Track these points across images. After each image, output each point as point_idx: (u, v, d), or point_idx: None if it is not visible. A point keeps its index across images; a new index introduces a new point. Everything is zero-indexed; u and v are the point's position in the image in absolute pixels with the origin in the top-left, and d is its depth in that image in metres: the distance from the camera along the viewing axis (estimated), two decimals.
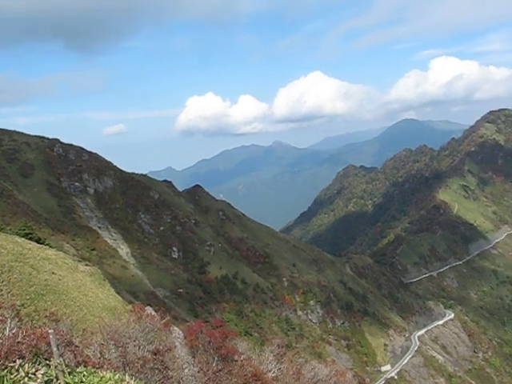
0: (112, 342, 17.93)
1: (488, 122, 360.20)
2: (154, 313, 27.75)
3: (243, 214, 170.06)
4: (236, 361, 26.10)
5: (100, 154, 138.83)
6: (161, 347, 18.88)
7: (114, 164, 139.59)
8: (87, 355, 14.14)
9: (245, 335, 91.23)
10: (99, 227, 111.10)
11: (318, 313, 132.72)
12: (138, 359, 16.90)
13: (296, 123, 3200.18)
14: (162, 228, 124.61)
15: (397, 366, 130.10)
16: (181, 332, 27.42)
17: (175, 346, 23.37)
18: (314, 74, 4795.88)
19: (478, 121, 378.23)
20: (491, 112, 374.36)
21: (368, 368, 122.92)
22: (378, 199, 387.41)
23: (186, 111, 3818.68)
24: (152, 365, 16.77)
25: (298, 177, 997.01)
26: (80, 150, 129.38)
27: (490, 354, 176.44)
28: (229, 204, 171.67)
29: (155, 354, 17.55)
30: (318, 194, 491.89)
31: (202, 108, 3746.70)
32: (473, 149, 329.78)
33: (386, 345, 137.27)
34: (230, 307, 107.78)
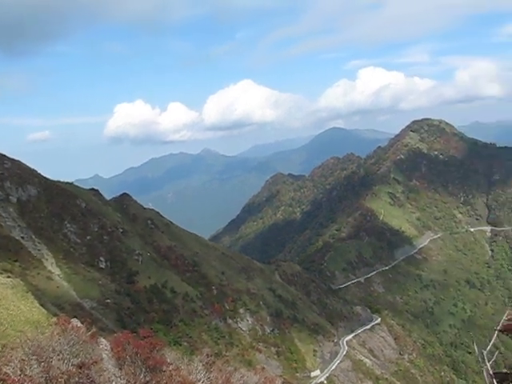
0: (34, 357, 17.25)
1: (412, 131, 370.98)
2: (79, 325, 26.99)
3: (172, 223, 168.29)
4: (164, 371, 25.66)
5: (24, 162, 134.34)
6: (87, 360, 18.34)
7: (39, 172, 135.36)
8: (6, 373, 13.53)
9: (174, 345, 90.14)
10: (22, 237, 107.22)
11: (248, 320, 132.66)
12: (62, 374, 16.33)
13: (225, 131, 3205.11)
14: (88, 237, 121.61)
15: (326, 371, 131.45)
16: (108, 344, 26.78)
17: (102, 359, 22.79)
18: (244, 82, 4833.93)
19: (402, 130, 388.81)
20: (415, 121, 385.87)
21: (298, 374, 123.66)
22: (306, 207, 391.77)
23: (114, 118, 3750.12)
24: (77, 379, 16.26)
25: (226, 184, 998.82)
26: (1, 157, 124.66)
27: (414, 355, 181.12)
28: (157, 212, 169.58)
29: (80, 368, 17.02)
30: (247, 201, 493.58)
31: (130, 115, 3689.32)
32: (398, 157, 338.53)
33: (315, 350, 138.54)
34: (159, 317, 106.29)
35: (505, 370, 20.03)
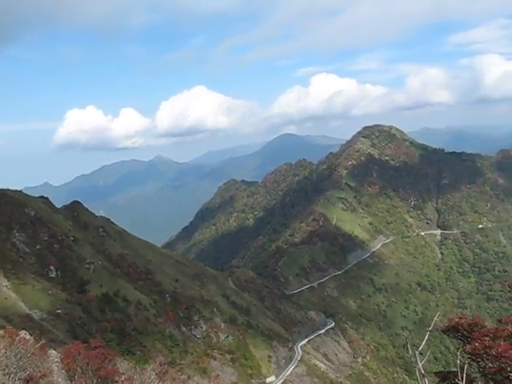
0: None
1: (363, 136, 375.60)
2: (28, 337, 26.22)
3: (124, 230, 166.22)
4: (116, 382, 25.17)
5: None
6: (35, 374, 17.74)
7: None
8: None
9: (127, 354, 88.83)
10: None
11: (202, 328, 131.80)
12: None
13: (178, 137, 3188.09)
14: (38, 246, 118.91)
15: (281, 376, 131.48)
16: (58, 355, 26.08)
17: (51, 371, 22.14)
18: (197, 89, 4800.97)
19: (354, 136, 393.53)
20: (366, 127, 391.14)
21: (253, 380, 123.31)
22: (259, 213, 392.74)
23: (65, 125, 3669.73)
24: None
25: (179, 191, 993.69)
26: None
27: (368, 358, 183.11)
28: (109, 220, 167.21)
29: (28, 382, 16.45)
30: (200, 208, 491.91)
31: (82, 121, 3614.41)
32: (350, 163, 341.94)
33: (269, 356, 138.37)
34: (112, 326, 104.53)
35: (447, 370, 20.52)
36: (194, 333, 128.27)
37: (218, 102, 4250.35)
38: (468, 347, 18.33)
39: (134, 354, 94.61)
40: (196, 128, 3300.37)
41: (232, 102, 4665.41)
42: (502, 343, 16.77)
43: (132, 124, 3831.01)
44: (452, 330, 20.12)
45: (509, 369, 15.39)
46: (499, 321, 19.49)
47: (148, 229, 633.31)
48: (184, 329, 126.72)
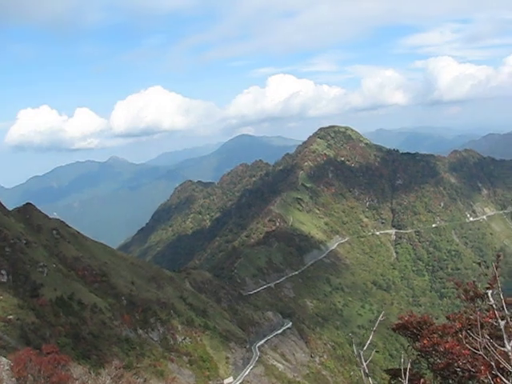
0: None
1: (319, 137, 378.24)
2: None
3: (79, 233, 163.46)
4: None
5: None
6: None
7: None
8: None
9: (82, 359, 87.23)
10: None
11: (159, 330, 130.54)
12: None
13: (134, 138, 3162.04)
14: None
15: (239, 377, 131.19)
16: (8, 363, 25.19)
17: (1, 380, 21.36)
18: (154, 89, 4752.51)
19: (310, 137, 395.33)
20: (322, 128, 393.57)
21: (211, 382, 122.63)
22: (215, 214, 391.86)
23: (17, 125, 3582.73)
24: None
25: (135, 193, 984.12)
26: None
27: (325, 357, 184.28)
28: (63, 222, 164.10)
29: None
30: (156, 209, 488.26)
31: (35, 122, 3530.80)
32: (306, 163, 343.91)
33: (227, 357, 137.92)
34: (66, 331, 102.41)
35: (397, 367, 20.96)
36: (150, 335, 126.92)
37: (175, 102, 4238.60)
38: (417, 344, 18.90)
39: (89, 359, 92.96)
40: (152, 128, 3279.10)
41: (189, 102, 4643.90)
42: (449, 340, 17.25)
43: (87, 124, 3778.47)
44: (402, 328, 20.61)
45: (455, 364, 15.83)
46: (447, 318, 19.96)
47: (103, 231, 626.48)
48: (140, 331, 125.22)
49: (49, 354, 26.26)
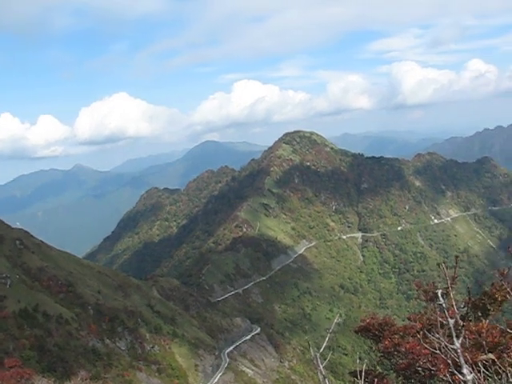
0: None
1: (285, 142, 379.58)
2: None
3: (43, 242, 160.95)
4: None
5: None
6: None
7: None
8: None
9: (47, 372, 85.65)
10: None
11: (127, 339, 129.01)
12: None
13: (99, 145, 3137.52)
14: None
15: None
16: None
17: None
18: (119, 95, 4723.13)
19: (275, 142, 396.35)
20: (287, 133, 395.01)
21: None
22: (182, 221, 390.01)
23: None
24: None
25: (100, 201, 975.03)
26: None
27: (294, 362, 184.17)
28: (27, 232, 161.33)
29: None
30: (122, 217, 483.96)
31: None
32: (271, 169, 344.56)
33: (196, 365, 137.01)
34: (31, 343, 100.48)
35: (365, 368, 21.20)
36: (118, 345, 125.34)
37: (140, 108, 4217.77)
38: (380, 346, 19.22)
39: (54, 371, 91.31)
40: (117, 135, 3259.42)
41: (155, 108, 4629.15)
42: (410, 340, 17.63)
43: (51, 132, 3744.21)
44: (364, 330, 20.85)
45: (417, 364, 16.11)
46: (408, 318, 20.50)
47: (69, 240, 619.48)
48: (108, 341, 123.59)
49: (11, 368, 25.59)
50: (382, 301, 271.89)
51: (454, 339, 6.35)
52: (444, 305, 6.92)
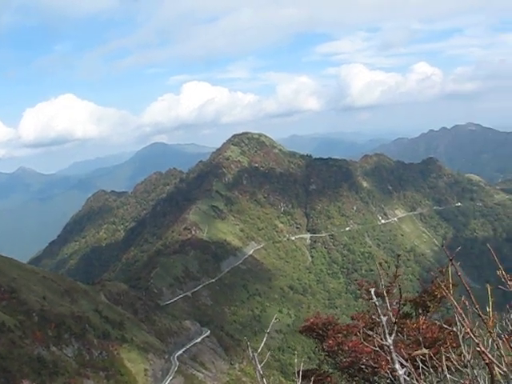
0: None
1: (233, 144, 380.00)
2: None
3: None
4: None
5: None
6: None
7: None
8: None
9: None
10: None
11: (74, 346, 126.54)
12: None
13: (45, 147, 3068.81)
14: None
15: None
16: None
17: None
18: (65, 97, 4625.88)
19: (223, 143, 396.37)
20: (235, 135, 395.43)
21: None
22: (130, 224, 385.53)
23: None
24: None
25: (46, 204, 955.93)
26: None
27: (244, 363, 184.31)
28: None
29: None
30: (68, 221, 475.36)
31: None
32: (220, 170, 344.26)
33: (146, 370, 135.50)
34: None
35: (312, 367, 21.48)
36: (64, 352, 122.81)
37: (88, 110, 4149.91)
38: (324, 345, 19.53)
39: None
40: (64, 137, 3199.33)
41: (103, 110, 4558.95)
42: (353, 338, 17.86)
43: None
44: (308, 330, 21.11)
45: (360, 361, 16.36)
46: (352, 318, 20.73)
47: (13, 244, 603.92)
48: (54, 348, 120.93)
49: None
50: (330, 301, 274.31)
51: (387, 336, 6.32)
52: (377, 303, 6.87)
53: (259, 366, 7.53)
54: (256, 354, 7.49)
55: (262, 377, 7.53)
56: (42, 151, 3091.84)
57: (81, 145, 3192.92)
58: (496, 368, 5.79)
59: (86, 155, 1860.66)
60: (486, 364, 5.73)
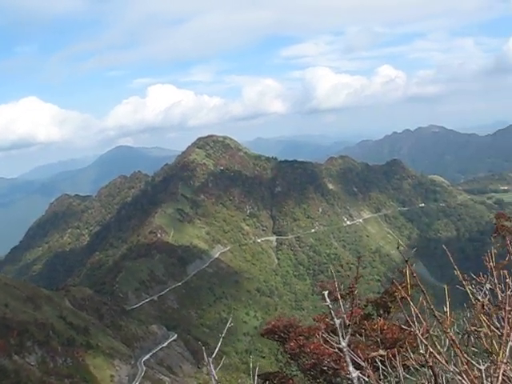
0: None
1: (198, 147, 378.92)
2: None
3: None
4: None
5: None
6: None
7: None
8: None
9: None
10: None
11: (37, 354, 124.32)
12: None
13: (5, 151, 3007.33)
14: None
15: None
16: None
17: None
18: (28, 99, 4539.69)
19: (189, 147, 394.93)
20: (200, 138, 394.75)
21: None
22: (94, 228, 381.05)
23: None
24: None
25: (8, 209, 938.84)
26: None
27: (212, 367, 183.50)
28: None
29: None
30: (31, 226, 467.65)
31: None
32: (185, 173, 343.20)
33: (112, 376, 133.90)
34: None
35: (270, 370, 21.33)
36: (27, 360, 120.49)
37: (51, 113, 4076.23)
38: (286, 347, 19.85)
39: None
40: (27, 141, 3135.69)
41: (66, 113, 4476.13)
42: (315, 341, 17.82)
43: None
44: (270, 332, 21.56)
45: (322, 363, 16.65)
46: (314, 319, 20.90)
47: None
48: (16, 357, 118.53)
49: None
50: (297, 302, 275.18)
51: (340, 339, 6.06)
52: (331, 306, 6.61)
53: (213, 371, 7.22)
54: (211, 359, 7.16)
55: (217, 382, 7.25)
56: (2, 155, 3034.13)
57: (44, 148, 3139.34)
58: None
59: (49, 159, 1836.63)
60: (429, 366, 5.69)
